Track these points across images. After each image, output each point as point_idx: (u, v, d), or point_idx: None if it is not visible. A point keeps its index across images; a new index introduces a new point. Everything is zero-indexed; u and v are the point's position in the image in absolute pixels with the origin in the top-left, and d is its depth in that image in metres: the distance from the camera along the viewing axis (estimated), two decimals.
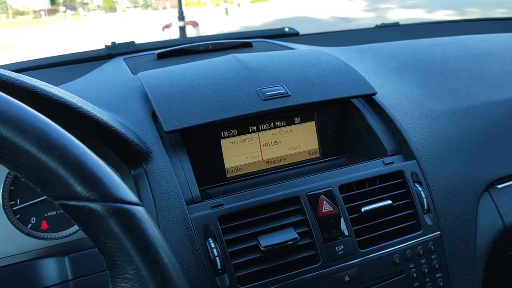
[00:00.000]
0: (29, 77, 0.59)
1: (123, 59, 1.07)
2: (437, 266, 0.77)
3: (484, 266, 0.83)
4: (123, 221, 0.36)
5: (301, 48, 1.12)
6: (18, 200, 0.70)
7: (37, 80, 0.60)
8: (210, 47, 1.11)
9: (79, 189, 0.35)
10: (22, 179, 0.36)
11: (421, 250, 0.76)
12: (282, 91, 0.80)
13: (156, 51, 1.09)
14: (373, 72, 0.99)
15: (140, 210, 0.38)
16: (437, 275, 0.77)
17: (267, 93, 0.79)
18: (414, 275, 0.75)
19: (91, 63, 1.11)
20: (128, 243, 0.36)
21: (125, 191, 0.38)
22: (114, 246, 0.36)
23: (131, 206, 0.37)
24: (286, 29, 1.35)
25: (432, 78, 1.00)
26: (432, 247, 0.77)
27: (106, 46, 1.17)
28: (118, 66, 1.01)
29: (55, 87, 0.63)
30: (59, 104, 0.60)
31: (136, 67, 0.99)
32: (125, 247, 0.36)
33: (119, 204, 0.36)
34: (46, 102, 0.59)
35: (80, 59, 1.16)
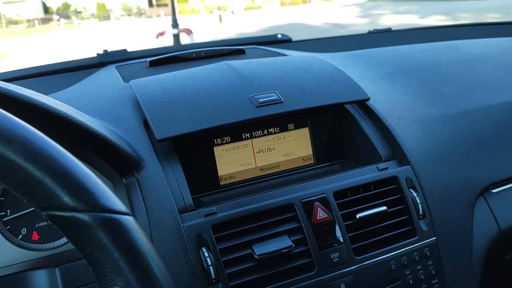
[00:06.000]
0: (17, 86, 0.58)
1: (115, 67, 1.06)
2: (433, 272, 0.76)
3: (480, 271, 0.83)
4: (111, 231, 0.35)
5: (294, 54, 1.12)
6: (8, 210, 0.69)
7: (26, 89, 0.59)
8: (203, 54, 1.11)
9: (66, 199, 0.35)
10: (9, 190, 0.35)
11: (417, 256, 0.75)
12: (275, 97, 0.79)
13: (148, 59, 1.08)
14: (366, 77, 0.99)
15: (129, 220, 0.37)
16: (433, 281, 0.76)
17: (260, 100, 0.78)
18: (411, 282, 0.74)
19: (83, 72, 1.11)
20: (117, 254, 0.35)
21: (114, 200, 0.37)
22: (103, 257, 0.35)
23: (119, 215, 0.36)
24: (279, 36, 1.35)
25: (424, 84, 1.00)
26: (428, 253, 0.76)
27: (98, 54, 1.17)
28: (110, 74, 1.00)
29: (45, 96, 0.62)
30: (48, 113, 0.60)
31: (128, 75, 0.98)
32: (114, 258, 0.35)
33: (107, 214, 0.36)
34: (35, 112, 0.58)
35: (72, 67, 1.15)
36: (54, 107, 0.61)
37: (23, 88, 0.59)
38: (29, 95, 0.58)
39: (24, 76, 1.10)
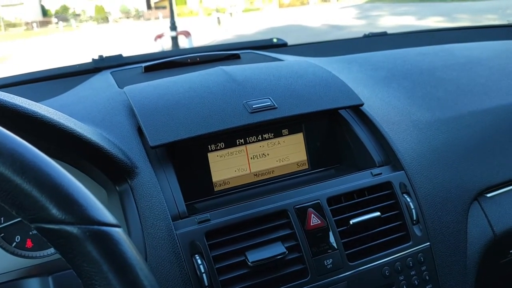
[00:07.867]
0: (8, 94, 0.58)
1: (110, 73, 1.06)
2: (427, 277, 0.76)
3: (475, 276, 0.83)
4: (100, 243, 0.35)
5: (288, 59, 1.12)
6: (2, 218, 0.69)
7: (17, 97, 0.59)
8: (198, 59, 1.11)
9: (54, 211, 0.35)
10: None
11: (410, 262, 0.75)
12: (269, 103, 0.79)
13: (144, 64, 1.08)
14: (360, 82, 0.99)
15: (118, 232, 0.37)
16: (427, 287, 0.76)
17: (253, 106, 0.78)
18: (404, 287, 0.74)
19: (78, 77, 1.10)
20: (106, 266, 0.35)
21: (103, 212, 0.37)
22: (92, 270, 0.35)
23: (108, 228, 0.36)
24: (275, 40, 1.35)
25: (419, 88, 1.00)
26: (422, 258, 0.76)
27: (93, 59, 1.17)
28: (104, 80, 1.00)
29: (37, 104, 0.62)
30: (40, 122, 0.60)
31: (123, 81, 0.98)
32: (102, 270, 0.35)
33: (96, 226, 0.36)
34: (27, 120, 0.58)
35: (66, 73, 1.15)
36: (46, 115, 0.61)
37: (14, 96, 0.59)
38: (20, 104, 0.58)
39: (18, 83, 1.09)
